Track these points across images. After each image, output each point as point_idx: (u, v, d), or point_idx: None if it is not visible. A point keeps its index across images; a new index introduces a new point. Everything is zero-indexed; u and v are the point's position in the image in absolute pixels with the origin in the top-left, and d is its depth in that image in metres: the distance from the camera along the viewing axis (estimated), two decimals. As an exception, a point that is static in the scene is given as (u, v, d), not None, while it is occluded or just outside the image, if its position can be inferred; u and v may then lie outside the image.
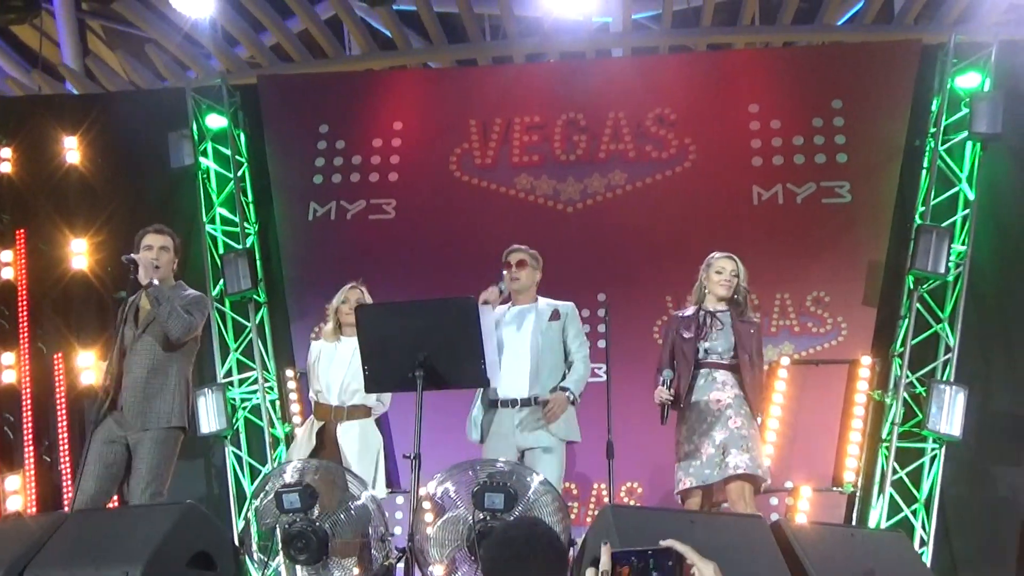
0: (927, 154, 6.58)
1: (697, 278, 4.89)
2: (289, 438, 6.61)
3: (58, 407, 6.74)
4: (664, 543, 1.95)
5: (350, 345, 4.80)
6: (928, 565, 5.59)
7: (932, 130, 6.58)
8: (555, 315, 4.77)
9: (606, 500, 5.49)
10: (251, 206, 7.20)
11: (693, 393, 4.67)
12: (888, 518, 5.97)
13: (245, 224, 7.04)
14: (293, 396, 6.66)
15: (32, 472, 6.64)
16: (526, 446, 4.61)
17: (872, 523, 5.96)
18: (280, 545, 3.81)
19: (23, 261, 7.06)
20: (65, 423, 6.72)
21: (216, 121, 7.25)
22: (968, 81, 6.56)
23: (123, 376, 4.57)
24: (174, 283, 4.77)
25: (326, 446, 4.78)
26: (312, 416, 4.92)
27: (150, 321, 4.61)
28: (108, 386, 4.57)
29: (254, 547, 3.99)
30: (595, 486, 6.17)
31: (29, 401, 6.76)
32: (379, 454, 4.89)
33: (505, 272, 4.78)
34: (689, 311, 4.87)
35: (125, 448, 4.56)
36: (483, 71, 7.84)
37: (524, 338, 4.73)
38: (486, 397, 4.72)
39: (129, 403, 4.53)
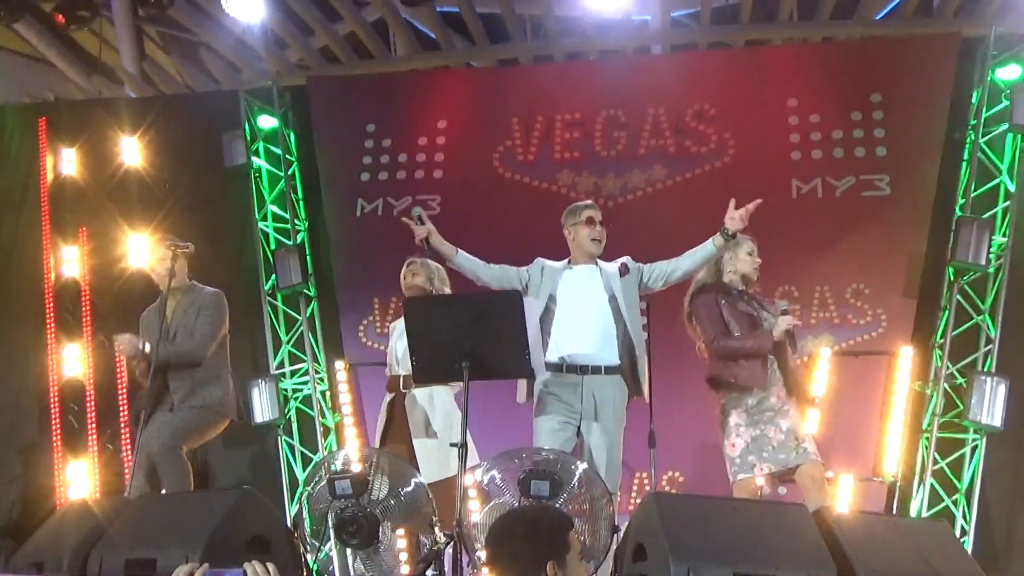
0: (967, 146, 6.58)
1: None
2: (339, 427, 6.84)
3: (119, 397, 7.02)
4: None
5: None
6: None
7: (972, 122, 6.59)
8: (624, 269, 4.49)
9: (648, 490, 5.59)
10: (301, 203, 7.41)
11: (762, 383, 4.47)
12: (928, 508, 6.01)
13: (296, 221, 7.25)
14: (343, 387, 6.84)
15: (96, 459, 6.95)
16: (592, 416, 4.31)
17: (912, 513, 6.00)
18: (332, 530, 3.91)
19: (86, 258, 7.38)
20: (126, 412, 6.97)
21: (267, 122, 7.48)
22: (1009, 73, 6.56)
23: (166, 375, 4.79)
24: (189, 283, 4.96)
25: (394, 418, 4.76)
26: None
27: (180, 322, 4.85)
28: (159, 385, 4.79)
29: (307, 532, 4.11)
30: (637, 475, 6.27)
31: (92, 392, 7.06)
32: (454, 418, 4.65)
33: (589, 228, 4.51)
34: (735, 289, 4.71)
35: None
36: (524, 70, 7.94)
37: (599, 300, 4.42)
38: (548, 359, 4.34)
39: (180, 395, 4.75)
